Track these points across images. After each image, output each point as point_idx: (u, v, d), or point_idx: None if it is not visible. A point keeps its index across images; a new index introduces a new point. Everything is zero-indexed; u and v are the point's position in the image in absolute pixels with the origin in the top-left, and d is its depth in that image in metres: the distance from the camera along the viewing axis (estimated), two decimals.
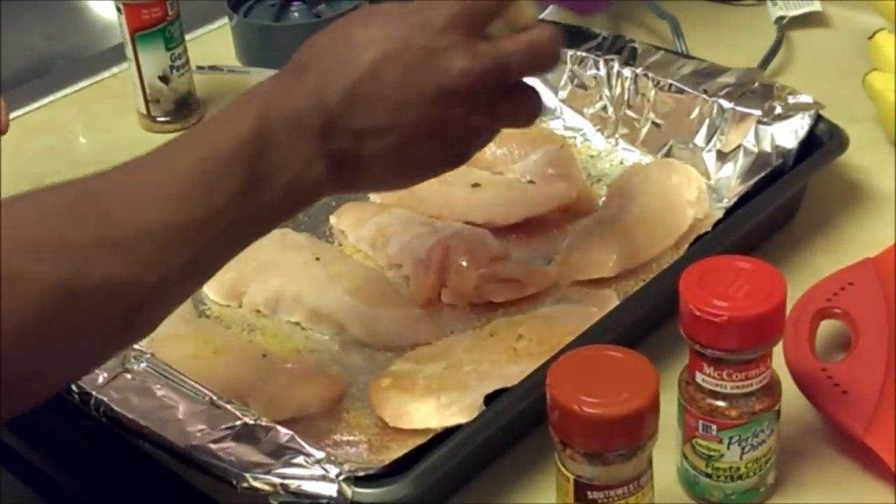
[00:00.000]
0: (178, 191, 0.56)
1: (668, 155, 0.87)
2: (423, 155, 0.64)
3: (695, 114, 0.86)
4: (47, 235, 0.52)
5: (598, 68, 0.90)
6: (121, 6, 0.94)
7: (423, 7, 0.62)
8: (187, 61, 0.97)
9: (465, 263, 0.77)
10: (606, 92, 0.90)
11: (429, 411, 0.67)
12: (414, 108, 0.61)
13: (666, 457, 0.65)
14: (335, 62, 0.61)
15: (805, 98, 0.82)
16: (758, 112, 0.83)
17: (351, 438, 0.68)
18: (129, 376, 0.65)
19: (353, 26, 0.62)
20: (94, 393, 0.64)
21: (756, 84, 0.85)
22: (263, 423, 0.62)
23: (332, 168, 0.61)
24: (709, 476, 0.62)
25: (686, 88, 0.87)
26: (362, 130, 0.61)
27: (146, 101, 0.97)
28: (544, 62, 0.65)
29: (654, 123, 0.88)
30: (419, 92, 0.61)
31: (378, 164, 0.62)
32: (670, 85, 0.87)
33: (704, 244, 0.72)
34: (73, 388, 0.65)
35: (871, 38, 0.92)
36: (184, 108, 0.98)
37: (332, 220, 0.85)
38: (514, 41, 0.63)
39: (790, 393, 0.64)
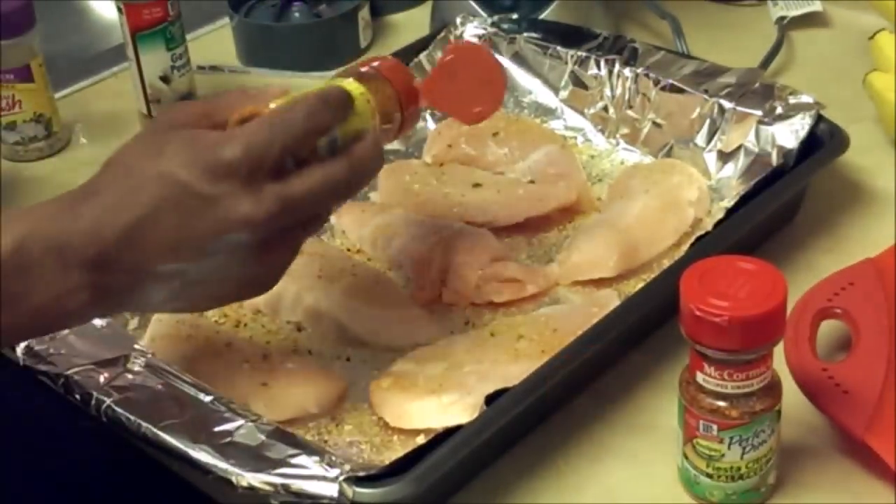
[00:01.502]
0: None
1: (668, 155, 0.87)
2: (211, 292, 0.61)
3: (695, 114, 0.86)
4: None
5: (598, 68, 0.90)
6: (121, 6, 0.93)
7: (210, 146, 0.58)
8: (188, 61, 0.97)
9: (465, 263, 0.77)
10: (607, 92, 0.90)
11: (429, 411, 0.67)
12: (193, 254, 0.58)
13: (666, 457, 0.65)
14: (119, 196, 0.58)
15: (806, 98, 0.82)
16: (758, 112, 0.83)
17: (351, 439, 0.68)
18: (129, 376, 0.65)
19: (145, 156, 0.59)
20: (94, 393, 0.64)
21: (757, 84, 0.85)
22: (264, 423, 0.62)
23: (101, 298, 0.58)
24: (710, 476, 0.62)
25: (687, 88, 0.86)
26: (138, 270, 0.58)
27: (147, 102, 0.97)
28: (342, 196, 0.63)
29: (654, 123, 0.88)
30: (197, 239, 0.58)
31: (158, 298, 0.60)
32: (671, 85, 0.87)
33: (705, 244, 0.72)
34: (75, 388, 0.65)
35: (871, 38, 0.92)
36: None
37: (333, 219, 0.85)
38: (306, 180, 0.59)
39: (791, 393, 0.64)
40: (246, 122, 0.60)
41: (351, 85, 0.64)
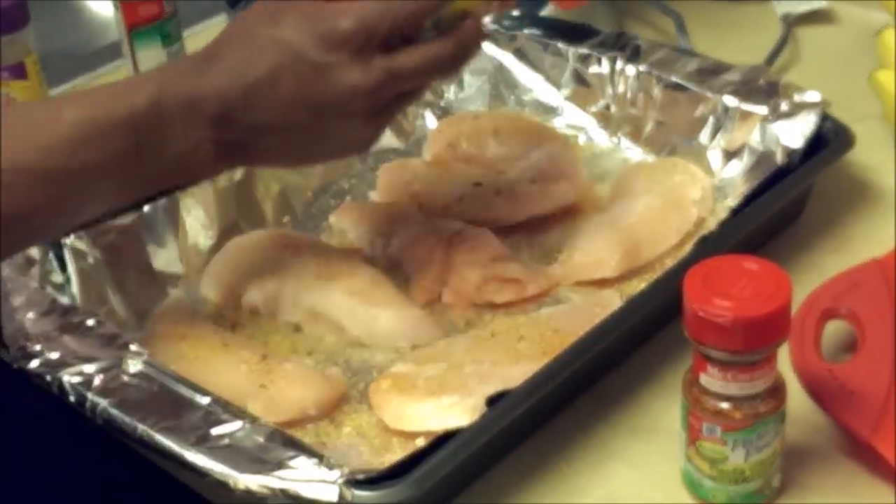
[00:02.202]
0: (54, 140, 0.61)
1: (671, 153, 0.87)
2: (317, 149, 0.68)
3: (699, 112, 0.85)
4: None
5: (601, 66, 0.90)
6: (118, 3, 0.93)
7: (326, 16, 0.64)
8: None
9: (466, 263, 0.76)
10: (609, 89, 0.90)
11: (429, 413, 0.67)
12: (306, 115, 0.65)
13: (670, 459, 0.64)
14: (240, 59, 0.64)
15: (811, 96, 0.82)
16: (763, 110, 0.82)
17: (350, 441, 0.67)
18: (125, 378, 0.65)
19: (264, 23, 0.65)
20: (89, 395, 0.64)
21: (761, 81, 0.85)
22: (262, 425, 0.62)
23: (222, 152, 0.65)
24: (713, 479, 0.62)
25: (690, 86, 0.86)
26: (256, 126, 0.65)
27: None
28: (445, 73, 0.69)
29: (657, 121, 0.88)
30: (312, 101, 0.64)
31: (270, 154, 0.67)
32: (674, 82, 0.87)
33: (709, 244, 0.72)
34: (69, 390, 0.64)
35: (877, 34, 0.91)
36: None
37: (332, 219, 0.84)
38: (412, 55, 0.66)
39: (796, 394, 0.64)
40: None
41: None
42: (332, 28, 0.64)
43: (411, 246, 0.79)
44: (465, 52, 0.68)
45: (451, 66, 0.68)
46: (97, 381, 0.65)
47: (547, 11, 1.01)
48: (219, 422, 0.62)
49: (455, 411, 0.66)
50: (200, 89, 0.64)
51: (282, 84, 0.64)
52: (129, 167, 0.63)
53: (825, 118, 0.80)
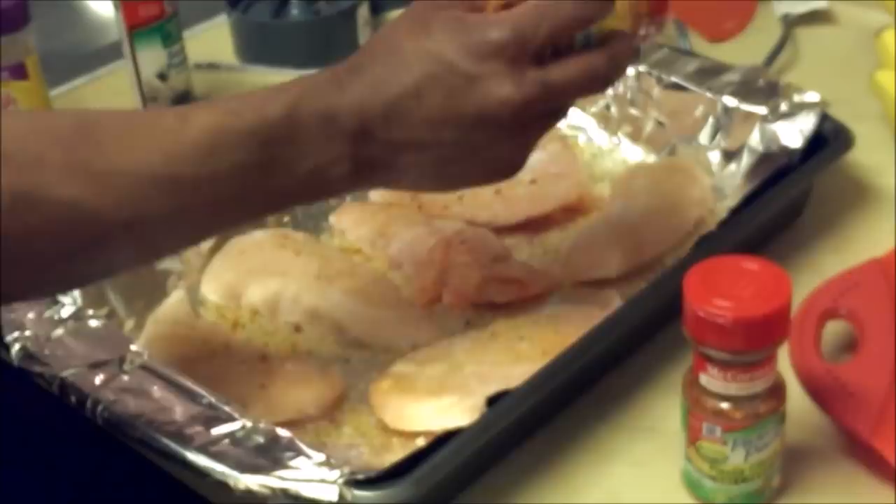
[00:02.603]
0: (181, 146, 0.58)
1: (671, 153, 0.87)
2: (461, 170, 0.64)
3: (699, 112, 0.85)
4: (28, 147, 0.55)
5: None
6: (118, 3, 0.93)
7: (478, 26, 0.60)
8: (185, 59, 0.97)
9: (466, 264, 0.76)
10: (609, 90, 0.89)
11: (430, 413, 0.67)
12: (452, 131, 0.61)
13: (670, 459, 0.64)
14: (384, 72, 0.61)
15: (811, 96, 0.82)
16: (763, 110, 0.82)
17: (351, 441, 0.67)
18: (126, 378, 0.65)
19: (411, 33, 0.61)
20: (90, 394, 0.64)
21: (761, 82, 0.85)
22: (262, 426, 0.62)
23: (360, 170, 0.61)
24: (713, 478, 0.62)
25: (690, 86, 0.86)
26: (397, 143, 0.61)
27: (144, 99, 0.97)
28: (598, 88, 0.64)
29: (657, 122, 0.88)
30: (459, 116, 0.60)
31: (410, 174, 0.63)
32: (674, 83, 0.87)
33: (709, 244, 0.72)
34: (70, 390, 0.64)
35: (877, 35, 0.91)
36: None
37: (332, 219, 0.84)
38: (566, 68, 0.62)
39: (796, 394, 0.64)
40: (507, 6, 0.61)
41: None
42: (485, 37, 0.60)
43: (411, 246, 0.79)
44: (618, 66, 0.64)
45: (604, 81, 0.64)
46: (98, 380, 0.64)
47: None
48: (219, 422, 0.62)
49: (455, 411, 0.66)
50: (340, 102, 0.60)
51: (428, 97, 0.60)
52: (258, 180, 0.59)
53: (825, 118, 0.80)
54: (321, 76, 0.62)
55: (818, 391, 0.65)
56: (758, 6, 1.06)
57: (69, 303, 0.71)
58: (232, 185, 0.59)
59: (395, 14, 1.11)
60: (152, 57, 0.95)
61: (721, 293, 0.57)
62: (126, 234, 0.57)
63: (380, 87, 0.60)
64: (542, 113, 0.63)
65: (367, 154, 0.61)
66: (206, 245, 0.80)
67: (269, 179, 0.60)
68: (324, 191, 0.63)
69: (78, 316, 0.69)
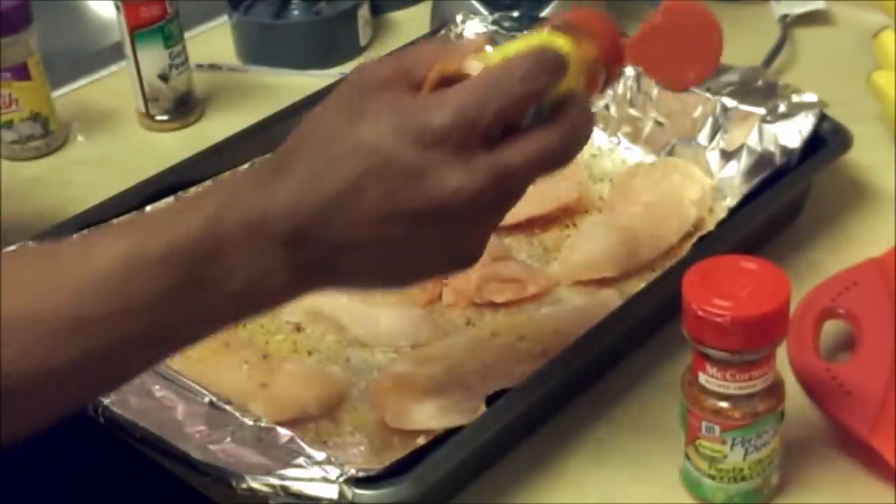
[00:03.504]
0: (87, 281, 0.51)
1: (670, 154, 0.87)
2: (413, 267, 0.57)
3: (698, 112, 0.85)
4: None
5: None
6: (119, 4, 0.93)
7: (418, 110, 0.54)
8: (186, 59, 0.97)
9: None
10: (609, 90, 0.90)
11: (430, 412, 0.67)
12: (399, 228, 0.54)
13: (669, 458, 0.65)
14: (317, 168, 0.54)
15: (809, 96, 0.82)
16: (761, 110, 0.82)
17: (351, 439, 0.67)
18: None
19: (342, 122, 0.54)
20: None
21: (760, 82, 0.85)
22: (263, 425, 0.62)
23: (301, 276, 0.55)
24: (712, 477, 0.62)
25: None
26: (339, 245, 0.54)
27: (145, 100, 0.97)
28: (557, 166, 0.57)
29: (656, 122, 0.88)
30: (404, 212, 0.53)
31: (357, 275, 0.56)
32: None
33: (707, 244, 0.72)
34: None
35: (875, 36, 0.91)
36: (183, 106, 0.98)
37: None
38: (519, 149, 0.55)
39: (794, 394, 0.64)
40: (448, 81, 0.55)
41: (559, 41, 0.58)
42: (427, 123, 0.53)
43: None
44: (577, 138, 0.56)
45: (563, 157, 0.56)
46: None
47: (547, 12, 1.01)
48: (220, 421, 0.62)
49: (455, 410, 0.66)
50: (268, 205, 0.53)
51: (368, 193, 0.53)
52: (182, 307, 0.53)
53: (823, 119, 0.80)
54: (243, 179, 0.56)
55: (816, 390, 0.66)
56: (752, 9, 1.07)
57: None
58: (153, 318, 0.52)
59: (395, 15, 1.12)
60: (154, 58, 0.95)
61: (720, 293, 0.57)
62: (45, 384, 0.51)
63: (313, 186, 0.53)
64: (498, 199, 0.56)
65: (306, 259, 0.54)
66: None
67: (195, 304, 0.53)
68: (262, 304, 0.56)
69: None
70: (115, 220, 0.53)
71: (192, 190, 0.77)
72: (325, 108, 0.56)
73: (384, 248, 0.55)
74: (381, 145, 0.53)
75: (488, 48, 0.59)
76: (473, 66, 0.56)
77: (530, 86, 0.54)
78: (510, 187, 0.56)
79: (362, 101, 0.55)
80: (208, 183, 0.56)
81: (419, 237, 0.55)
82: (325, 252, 0.54)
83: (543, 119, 0.56)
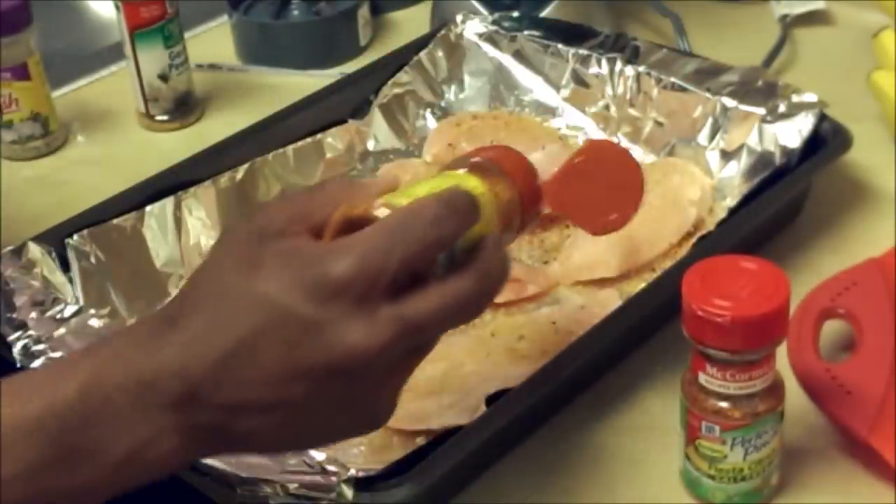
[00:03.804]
0: None
1: (670, 154, 0.87)
2: (317, 429, 0.53)
3: (698, 112, 0.86)
4: None
5: (600, 66, 0.90)
6: (119, 4, 0.93)
7: (317, 259, 0.50)
8: (186, 59, 0.97)
9: None
10: (609, 90, 0.90)
11: (430, 412, 0.67)
12: (299, 388, 0.50)
13: (669, 458, 0.65)
14: (209, 324, 0.50)
15: (809, 96, 0.82)
16: (761, 111, 0.82)
17: (351, 439, 0.67)
18: None
19: (237, 273, 0.50)
20: None
21: (759, 82, 0.85)
22: None
23: (192, 442, 0.51)
24: (712, 477, 0.62)
25: (689, 87, 0.86)
26: (234, 407, 0.50)
27: (145, 100, 0.97)
28: (469, 317, 0.53)
29: (656, 122, 0.88)
30: (304, 371, 0.49)
31: (256, 438, 0.51)
32: (673, 83, 0.87)
33: (707, 244, 0.72)
34: None
35: (875, 36, 0.91)
36: (183, 106, 0.98)
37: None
38: (427, 300, 0.50)
39: (794, 394, 0.64)
40: (352, 226, 0.52)
41: (472, 182, 0.56)
42: (326, 274, 0.49)
43: None
44: (490, 286, 0.53)
45: (475, 307, 0.53)
46: None
47: (547, 12, 1.01)
48: None
49: (455, 410, 0.66)
50: (154, 367, 0.49)
51: (264, 351, 0.49)
52: (57, 480, 0.49)
53: (823, 119, 0.81)
54: (127, 336, 0.52)
55: (816, 390, 0.66)
56: (752, 9, 1.07)
57: (71, 302, 0.71)
58: (28, 491, 0.48)
59: (395, 15, 1.12)
60: (153, 58, 0.95)
61: (720, 293, 0.58)
62: None
63: (204, 344, 0.49)
64: (405, 354, 0.51)
65: (198, 423, 0.50)
66: (208, 244, 0.80)
67: (71, 477, 0.49)
68: (149, 473, 0.51)
69: (80, 315, 0.69)
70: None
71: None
72: (218, 257, 0.52)
73: (283, 410, 0.50)
74: (277, 299, 0.49)
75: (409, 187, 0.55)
76: (380, 209, 0.52)
77: (439, 231, 0.51)
78: (418, 341, 0.52)
79: (258, 249, 0.51)
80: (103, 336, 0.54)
81: (320, 398, 0.50)
82: (218, 416, 0.50)
83: (455, 265, 0.52)
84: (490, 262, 0.53)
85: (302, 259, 0.50)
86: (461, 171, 0.57)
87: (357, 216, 0.52)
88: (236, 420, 0.50)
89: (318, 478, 0.58)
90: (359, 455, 0.66)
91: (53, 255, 0.74)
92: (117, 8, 0.94)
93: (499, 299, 0.75)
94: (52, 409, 0.48)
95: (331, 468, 0.58)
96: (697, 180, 0.83)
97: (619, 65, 0.89)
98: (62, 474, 0.49)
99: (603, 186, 0.63)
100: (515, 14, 0.96)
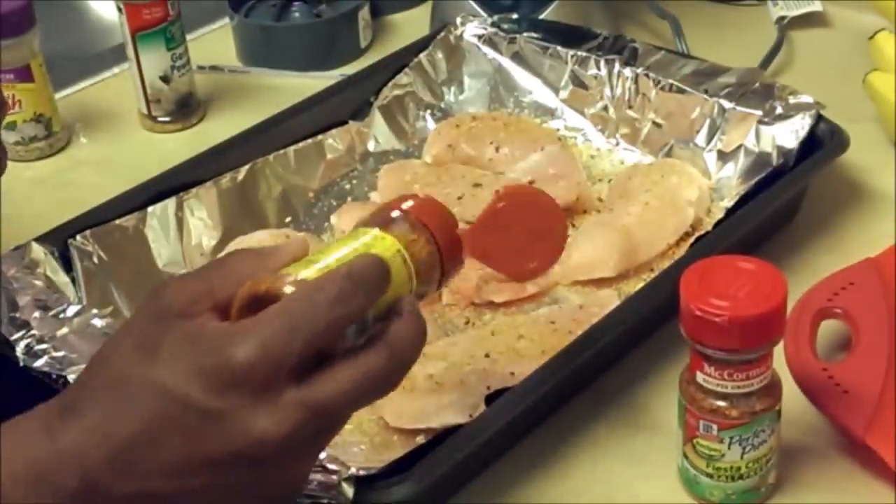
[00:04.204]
0: None
1: (668, 155, 0.87)
2: None
3: (695, 114, 0.86)
4: None
5: (598, 68, 0.90)
6: (122, 6, 0.94)
7: (216, 344, 0.48)
8: (188, 61, 0.98)
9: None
10: (607, 92, 0.90)
11: (430, 411, 0.67)
12: (200, 478, 0.48)
13: (667, 457, 0.65)
14: (107, 410, 0.48)
15: (806, 98, 0.82)
16: (758, 112, 0.83)
17: (352, 438, 0.68)
18: None
19: (135, 359, 0.49)
20: None
21: (757, 84, 0.85)
22: None
23: None
24: (710, 476, 0.62)
25: (687, 88, 0.86)
26: (134, 497, 0.48)
27: (147, 102, 0.97)
28: (381, 393, 0.51)
29: (654, 123, 0.88)
30: (205, 462, 0.48)
31: None
32: (671, 85, 0.87)
33: (705, 244, 0.72)
34: None
35: (871, 38, 0.92)
36: (185, 108, 0.99)
37: (333, 219, 0.85)
38: (335, 380, 0.49)
39: (791, 393, 0.64)
40: (258, 301, 0.50)
41: (383, 243, 0.53)
42: (227, 362, 0.47)
43: None
44: (403, 360, 0.51)
45: (388, 383, 0.51)
46: None
47: (546, 14, 1.01)
48: None
49: (455, 409, 0.66)
50: (52, 456, 0.47)
51: (163, 442, 0.47)
52: None
53: (820, 120, 0.81)
54: (24, 423, 0.50)
55: (813, 389, 0.66)
56: (749, 11, 1.07)
57: (74, 302, 0.71)
58: None
59: (395, 17, 1.12)
60: (155, 59, 0.95)
61: (717, 293, 0.58)
62: None
63: (100, 433, 0.48)
64: (314, 434, 0.50)
65: None
66: (209, 244, 0.81)
67: None
68: None
69: (83, 315, 0.69)
70: None
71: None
72: (120, 338, 0.50)
73: (186, 500, 0.49)
74: (177, 387, 0.47)
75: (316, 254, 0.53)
76: (287, 285, 0.50)
77: (344, 309, 0.49)
78: (326, 422, 0.50)
79: (158, 332, 0.49)
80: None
81: (225, 486, 0.49)
82: None
83: (366, 333, 0.50)
84: (402, 334, 0.51)
85: (202, 344, 0.48)
86: (374, 231, 0.54)
87: (263, 292, 0.50)
88: None
89: (318, 476, 0.58)
90: (359, 453, 0.66)
91: (56, 255, 0.74)
92: (119, 10, 0.94)
93: (498, 299, 0.76)
94: None
95: (331, 466, 0.59)
96: (695, 181, 0.83)
97: (617, 66, 0.89)
98: None
99: (524, 232, 0.61)
100: (514, 16, 0.96)
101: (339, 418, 0.51)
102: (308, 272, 0.51)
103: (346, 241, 0.54)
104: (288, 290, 0.50)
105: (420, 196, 0.57)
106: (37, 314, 0.69)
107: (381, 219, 0.55)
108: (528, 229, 0.61)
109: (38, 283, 0.72)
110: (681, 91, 0.87)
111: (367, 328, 0.50)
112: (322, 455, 0.59)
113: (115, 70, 1.05)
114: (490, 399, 0.63)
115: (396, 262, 0.53)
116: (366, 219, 0.56)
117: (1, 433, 0.49)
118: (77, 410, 0.49)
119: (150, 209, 0.79)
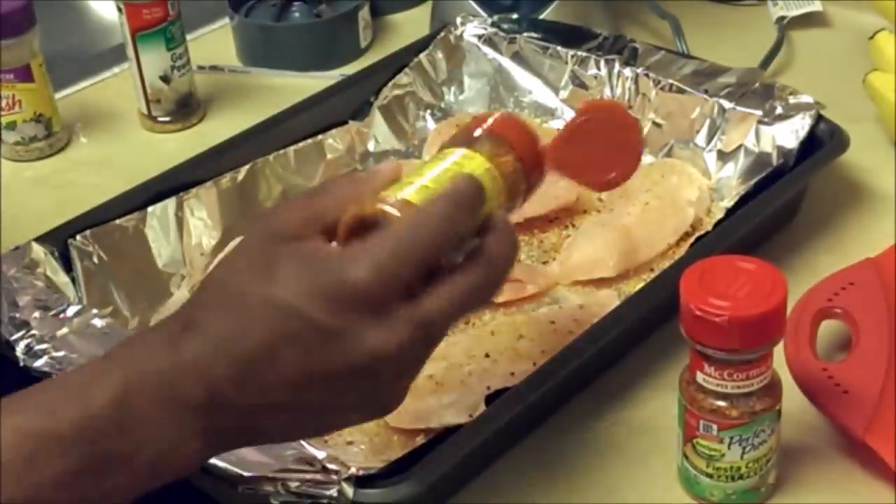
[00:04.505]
0: None
1: (668, 155, 0.87)
2: (333, 421, 0.55)
3: (695, 114, 0.86)
4: None
5: (598, 68, 0.90)
6: (121, 6, 0.94)
7: (332, 265, 0.51)
8: (188, 61, 0.98)
9: None
10: (607, 92, 0.90)
11: (429, 411, 0.67)
12: (318, 391, 0.51)
13: (666, 457, 0.65)
14: (226, 327, 0.51)
15: (806, 98, 0.82)
16: (758, 112, 0.83)
17: (352, 438, 0.68)
18: None
19: (253, 278, 0.51)
20: None
21: (757, 84, 0.85)
22: None
23: (213, 442, 0.52)
24: (710, 476, 0.62)
25: (687, 88, 0.86)
26: (256, 408, 0.51)
27: (147, 101, 0.97)
28: (483, 305, 0.55)
29: (654, 123, 0.88)
30: (323, 374, 0.51)
31: (275, 433, 0.54)
32: (671, 85, 0.87)
33: (705, 244, 0.72)
34: None
35: (871, 38, 0.92)
36: (185, 108, 0.99)
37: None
38: (442, 296, 0.52)
39: (791, 393, 0.64)
40: (363, 224, 0.53)
41: (474, 162, 0.56)
42: (342, 282, 0.50)
43: None
44: (499, 273, 0.54)
45: (486, 294, 0.54)
46: None
47: (545, 15, 1.01)
48: None
49: (455, 409, 0.66)
50: (178, 371, 0.50)
51: (284, 356, 0.50)
52: (89, 486, 0.49)
53: (820, 120, 0.81)
54: (151, 338, 0.52)
55: (813, 389, 0.66)
56: (749, 11, 1.08)
57: (74, 302, 0.71)
58: (61, 497, 0.49)
59: (395, 17, 1.12)
60: (155, 59, 0.95)
61: (717, 293, 0.58)
62: None
63: (223, 348, 0.50)
64: (420, 349, 0.53)
65: (221, 425, 0.51)
66: (209, 244, 0.81)
67: (102, 483, 0.50)
68: (173, 474, 0.52)
69: (83, 315, 0.69)
70: (19, 393, 0.51)
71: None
72: (235, 259, 0.53)
73: (303, 409, 0.52)
74: (297, 307, 0.50)
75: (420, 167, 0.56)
76: (388, 204, 0.53)
77: (450, 231, 0.52)
78: (433, 336, 0.53)
79: (274, 253, 0.52)
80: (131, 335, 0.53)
81: (338, 396, 0.52)
82: (239, 417, 0.51)
83: (465, 252, 0.53)
84: (497, 249, 0.54)
85: (319, 266, 0.51)
86: (462, 150, 0.57)
87: (367, 215, 0.53)
88: (257, 420, 0.52)
89: (318, 476, 0.58)
90: (359, 453, 0.66)
91: (56, 255, 0.74)
92: (119, 10, 0.94)
93: (498, 299, 0.76)
94: (87, 421, 0.49)
95: (331, 466, 0.59)
96: (695, 181, 0.83)
97: (617, 66, 0.90)
98: (94, 481, 0.50)
99: (603, 145, 0.63)
100: (514, 16, 0.96)
101: (441, 332, 0.53)
102: (407, 192, 0.54)
103: (437, 162, 0.56)
104: (392, 211, 0.53)
105: (502, 114, 0.59)
106: (37, 314, 0.69)
107: (465, 138, 0.57)
108: (607, 142, 0.63)
109: (38, 283, 0.72)
110: (681, 91, 0.87)
111: (464, 244, 0.53)
112: (322, 455, 0.59)
113: (115, 70, 1.05)
114: (490, 399, 0.63)
115: (487, 180, 0.55)
116: (450, 140, 0.58)
117: (127, 351, 0.52)
118: (199, 326, 0.51)
119: (150, 209, 0.79)
